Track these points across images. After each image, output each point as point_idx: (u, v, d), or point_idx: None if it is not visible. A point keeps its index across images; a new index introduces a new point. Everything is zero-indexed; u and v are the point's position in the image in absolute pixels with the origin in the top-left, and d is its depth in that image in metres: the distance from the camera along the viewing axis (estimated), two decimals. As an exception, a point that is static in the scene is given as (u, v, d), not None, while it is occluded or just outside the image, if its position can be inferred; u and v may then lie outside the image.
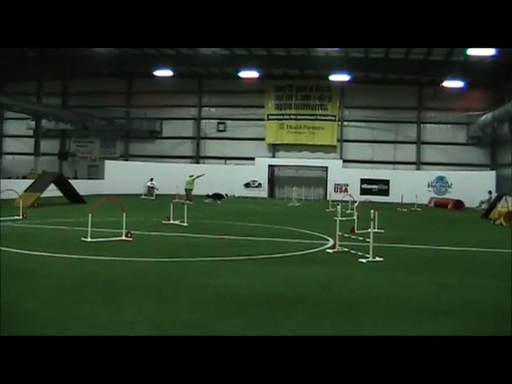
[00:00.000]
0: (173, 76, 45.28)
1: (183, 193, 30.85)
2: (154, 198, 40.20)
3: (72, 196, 31.05)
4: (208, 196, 36.62)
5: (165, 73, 44.36)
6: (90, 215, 14.50)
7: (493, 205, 29.59)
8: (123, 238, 14.90)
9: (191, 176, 34.87)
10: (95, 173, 51.06)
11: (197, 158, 51.12)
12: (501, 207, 26.65)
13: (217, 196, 36.44)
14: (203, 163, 50.23)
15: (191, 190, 33.83)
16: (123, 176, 45.35)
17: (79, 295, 8.23)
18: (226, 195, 37.57)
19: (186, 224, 19.31)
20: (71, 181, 34.99)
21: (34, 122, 46.96)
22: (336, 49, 37.41)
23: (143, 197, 40.72)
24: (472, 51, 30.69)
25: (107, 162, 48.32)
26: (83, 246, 13.54)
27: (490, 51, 31.18)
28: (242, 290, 8.95)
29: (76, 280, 9.39)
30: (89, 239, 14.21)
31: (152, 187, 42.66)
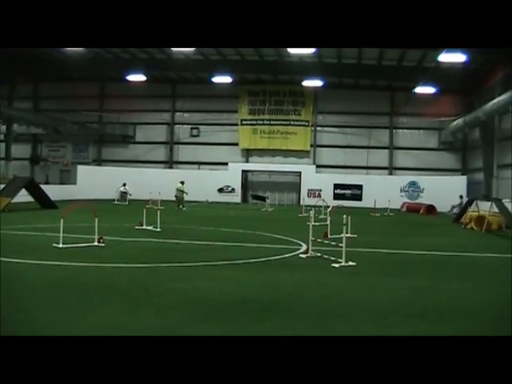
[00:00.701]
0: (146, 80, 45.05)
1: (156, 198, 30.49)
2: (127, 203, 39.93)
3: (43, 201, 30.72)
4: (253, 197, 36.09)
5: (138, 77, 44.08)
6: (61, 221, 14.37)
7: (464, 209, 29.91)
8: (95, 243, 14.80)
9: (182, 183, 34.82)
10: (67, 178, 50.58)
11: (170, 162, 50.93)
12: (472, 211, 26.95)
13: (259, 197, 36.08)
14: (176, 168, 50.04)
15: (177, 195, 33.86)
16: (96, 181, 45.04)
17: (51, 301, 8.16)
18: (267, 197, 36.97)
19: (158, 229, 19.25)
20: (43, 186, 34.62)
21: (4, 126, 46.37)
22: (309, 54, 37.51)
23: (116, 202, 40.43)
24: (443, 57, 30.96)
25: (79, 167, 47.92)
26: (55, 252, 13.41)
27: (460, 57, 31.49)
28: (215, 294, 8.94)
29: (48, 286, 9.30)
30: (61, 245, 14.07)
31: (125, 192, 42.37)
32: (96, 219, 15.24)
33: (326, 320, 7.50)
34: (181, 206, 32.84)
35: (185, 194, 34.06)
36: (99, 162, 51.93)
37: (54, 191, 34.88)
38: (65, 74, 45.90)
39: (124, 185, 42.95)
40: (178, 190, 33.96)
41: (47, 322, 6.99)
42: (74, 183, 46.66)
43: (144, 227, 19.74)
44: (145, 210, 20.37)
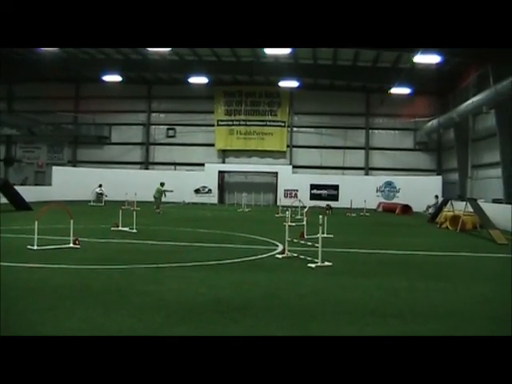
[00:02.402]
0: (121, 81, 44.88)
1: (132, 199, 30.17)
2: (102, 204, 39.71)
3: (18, 203, 30.39)
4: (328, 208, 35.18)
5: (113, 78, 43.88)
6: (36, 222, 14.23)
7: (439, 209, 30.14)
8: (71, 245, 14.68)
9: (162, 184, 33.38)
10: (42, 179, 50.16)
11: (146, 163, 50.73)
12: (447, 211, 27.16)
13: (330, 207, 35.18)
14: (153, 169, 49.88)
15: (159, 198, 32.75)
16: (71, 182, 44.76)
17: (24, 304, 8.06)
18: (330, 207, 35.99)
19: (134, 230, 19.16)
20: (18, 187, 34.24)
21: (-22, 128, 45.94)
22: (285, 54, 37.61)
23: (92, 203, 40.20)
24: (418, 58, 31.19)
25: (55, 168, 47.52)
26: (29, 254, 13.27)
27: (435, 58, 31.75)
28: (189, 296, 8.91)
29: (21, 289, 9.19)
30: (35, 247, 13.93)
31: (101, 193, 42.14)
32: (71, 221, 15.13)
33: (301, 320, 7.50)
34: (155, 207, 31.98)
35: (163, 196, 33.03)
36: (74, 163, 51.56)
37: (28, 192, 34.57)
38: (39, 75, 45.52)
39: (100, 186, 42.71)
40: (157, 191, 33.02)
41: (20, 324, 6.91)
42: (49, 184, 46.25)
43: (120, 228, 19.63)
44: (121, 211, 20.27)
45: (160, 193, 32.63)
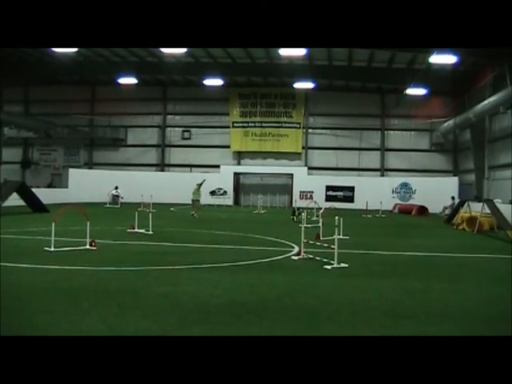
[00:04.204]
0: (137, 84, 45.06)
1: (148, 201, 30.02)
2: (119, 206, 39.84)
3: (35, 205, 30.58)
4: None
5: (129, 80, 44.09)
6: (53, 224, 14.30)
7: (456, 210, 29.97)
8: (87, 247, 14.75)
9: (200, 185, 32.39)
10: (59, 181, 50.52)
11: (162, 165, 50.90)
12: (463, 212, 27.02)
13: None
14: (168, 171, 50.05)
15: (198, 200, 32.17)
16: (87, 184, 45.03)
17: (40, 305, 8.10)
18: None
19: (150, 232, 19.22)
20: (36, 189, 34.45)
21: (-5, 130, 46.28)
22: (300, 56, 37.56)
23: (108, 205, 40.35)
24: (434, 59, 31.06)
25: (71, 171, 47.84)
26: (46, 256, 13.35)
27: (451, 59, 31.60)
28: (205, 298, 8.90)
29: (38, 290, 9.26)
30: (52, 249, 14.00)
31: (117, 195, 42.29)
32: (88, 223, 15.20)
33: (316, 322, 7.48)
34: (193, 212, 30.99)
35: (200, 196, 32.25)
36: (90, 165, 51.84)
37: (45, 195, 34.74)
38: (55, 78, 45.83)
39: (116, 188, 42.88)
40: (194, 193, 31.98)
41: (35, 326, 6.95)
42: (66, 187, 46.51)
43: (136, 230, 19.69)
44: (137, 213, 20.33)
45: (197, 193, 31.89)
